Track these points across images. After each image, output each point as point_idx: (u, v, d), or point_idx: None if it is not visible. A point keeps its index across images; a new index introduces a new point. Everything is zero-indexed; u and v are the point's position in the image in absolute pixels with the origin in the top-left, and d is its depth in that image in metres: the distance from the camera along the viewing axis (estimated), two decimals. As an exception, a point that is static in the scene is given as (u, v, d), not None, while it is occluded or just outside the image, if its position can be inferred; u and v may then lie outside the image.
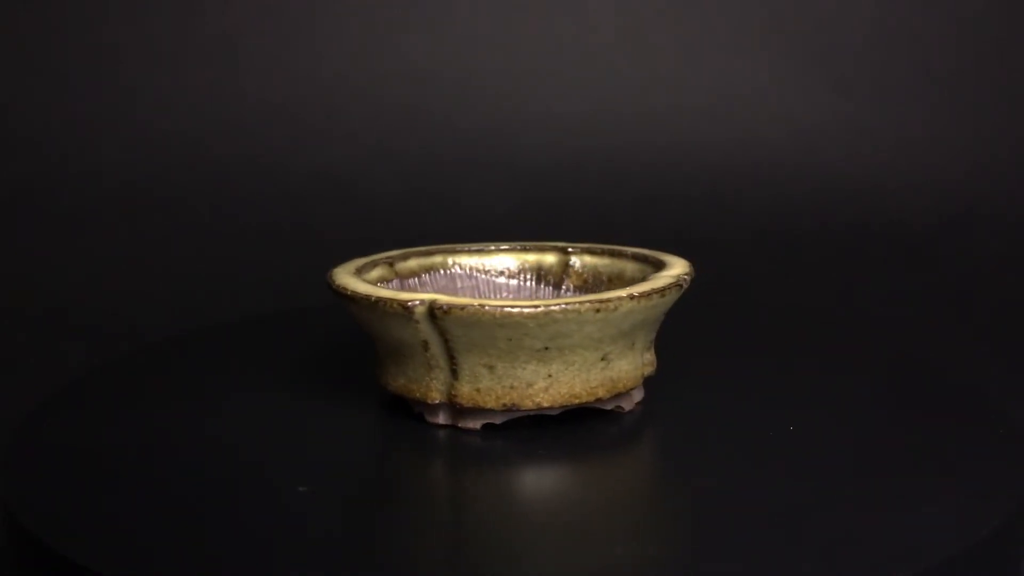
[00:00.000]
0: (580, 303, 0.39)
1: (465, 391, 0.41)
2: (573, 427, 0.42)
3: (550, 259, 0.49)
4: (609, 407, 0.43)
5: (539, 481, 0.40)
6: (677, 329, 0.48)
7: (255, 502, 0.36)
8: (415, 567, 0.32)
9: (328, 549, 0.33)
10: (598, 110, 1.02)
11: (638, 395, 0.44)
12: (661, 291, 0.40)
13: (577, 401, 0.41)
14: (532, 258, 0.50)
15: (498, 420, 0.42)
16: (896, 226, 0.93)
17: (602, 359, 0.41)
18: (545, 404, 0.41)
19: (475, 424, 0.42)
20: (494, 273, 0.49)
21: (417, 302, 0.39)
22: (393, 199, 0.95)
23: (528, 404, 0.41)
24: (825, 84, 1.02)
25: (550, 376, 0.41)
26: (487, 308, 0.38)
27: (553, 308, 0.38)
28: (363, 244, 0.51)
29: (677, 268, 0.43)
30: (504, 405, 0.41)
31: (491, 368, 0.40)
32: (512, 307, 0.38)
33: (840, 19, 1.04)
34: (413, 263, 0.49)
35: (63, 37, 1.00)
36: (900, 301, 0.79)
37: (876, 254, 0.89)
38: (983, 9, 1.03)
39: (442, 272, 0.49)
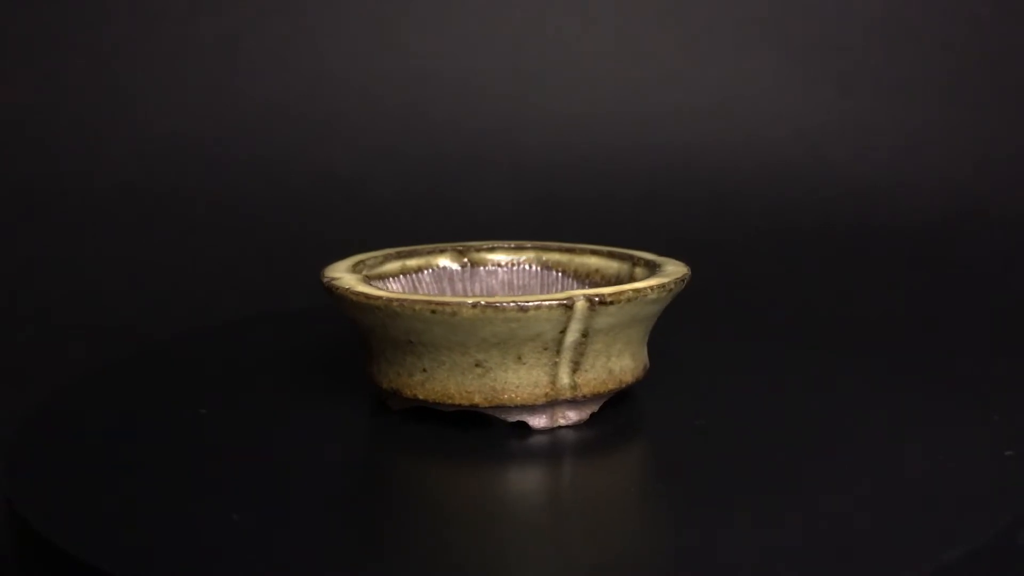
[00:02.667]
0: (414, 301, 0.39)
1: (374, 370, 0.43)
2: (569, 429, 0.42)
3: (627, 267, 0.47)
4: (511, 419, 0.41)
5: (526, 481, 0.40)
6: (676, 329, 0.48)
7: (255, 501, 0.36)
8: (409, 565, 0.32)
9: (327, 547, 0.33)
10: (600, 110, 1.02)
11: (570, 415, 0.42)
12: (523, 306, 0.38)
13: (451, 402, 0.41)
14: (615, 265, 0.48)
15: (405, 406, 0.43)
16: (897, 225, 0.93)
17: (476, 366, 0.40)
18: (421, 397, 0.41)
19: (395, 406, 0.43)
20: (580, 274, 0.48)
21: (328, 278, 0.42)
22: (394, 199, 0.95)
23: (407, 393, 0.41)
24: (827, 84, 1.02)
25: (425, 371, 0.41)
26: (349, 291, 0.40)
27: (392, 301, 0.39)
28: (364, 244, 0.51)
29: (605, 287, 0.40)
30: (391, 389, 0.42)
31: (383, 351, 0.42)
32: (363, 294, 0.40)
33: (842, 19, 1.04)
34: (499, 256, 0.50)
35: (63, 37, 1.00)
36: (901, 300, 0.79)
37: (877, 253, 0.89)
38: (985, 9, 1.03)
39: (526, 267, 0.49)
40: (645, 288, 0.40)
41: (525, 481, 0.40)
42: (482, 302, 0.38)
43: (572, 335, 0.40)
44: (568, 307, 0.39)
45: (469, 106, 1.01)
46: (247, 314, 0.66)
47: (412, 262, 0.48)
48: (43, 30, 1.00)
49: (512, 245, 0.50)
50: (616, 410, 0.43)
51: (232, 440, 0.42)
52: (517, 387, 0.40)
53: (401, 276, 0.48)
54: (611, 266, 0.48)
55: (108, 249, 0.88)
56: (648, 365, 0.44)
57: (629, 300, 0.40)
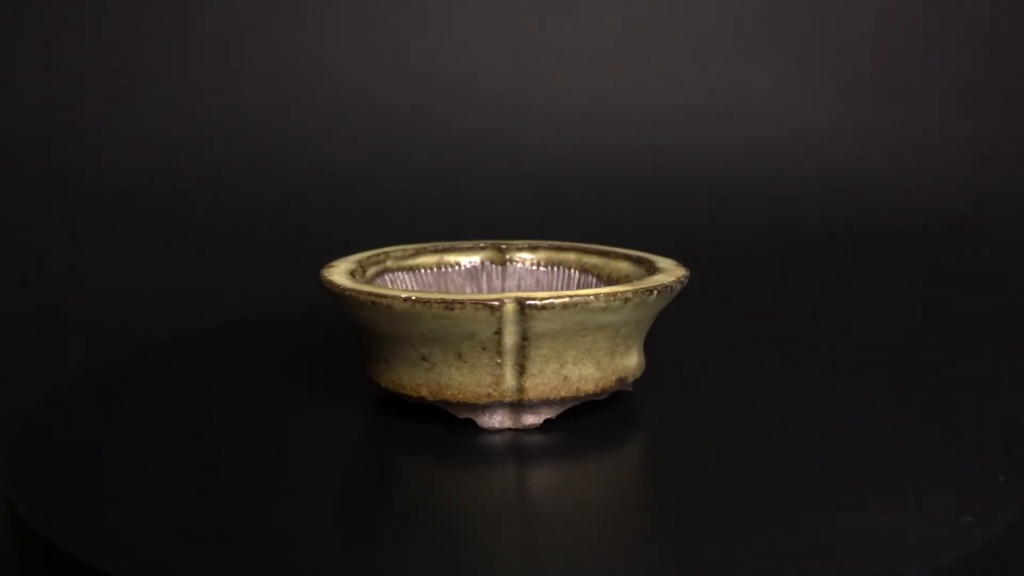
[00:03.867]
0: (359, 291, 0.40)
1: (362, 357, 0.44)
2: (571, 424, 0.42)
3: (643, 273, 0.46)
4: (461, 415, 0.42)
5: (528, 478, 0.40)
6: (674, 330, 0.48)
7: (255, 500, 0.36)
8: (408, 564, 0.32)
9: (327, 547, 0.33)
10: (600, 110, 1.02)
11: (524, 419, 0.41)
12: (449, 304, 0.39)
13: (404, 392, 0.42)
14: (636, 270, 0.46)
15: (380, 393, 0.44)
16: (898, 226, 0.92)
17: (423, 359, 0.41)
18: (383, 385, 0.42)
19: (376, 393, 0.44)
20: (613, 279, 0.47)
21: (328, 265, 0.44)
22: (394, 199, 0.95)
23: (375, 380, 0.43)
24: (828, 85, 1.02)
25: (385, 360, 0.42)
26: (325, 277, 0.42)
27: (346, 290, 0.41)
28: (364, 244, 0.51)
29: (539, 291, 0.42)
30: (368, 375, 0.43)
31: (362, 339, 0.43)
32: (331, 282, 0.41)
33: (842, 19, 1.04)
34: (540, 255, 0.49)
35: (64, 37, 1.00)
36: (902, 301, 0.79)
37: (878, 254, 0.89)
38: (986, 10, 1.03)
39: (565, 270, 0.49)
40: (586, 296, 0.39)
41: (524, 482, 0.40)
42: (412, 297, 0.39)
43: (510, 337, 0.39)
44: (494, 308, 0.39)
45: (469, 106, 1.01)
46: (247, 314, 0.66)
47: (450, 257, 0.49)
48: (42, 30, 1.00)
49: (553, 245, 0.50)
50: (607, 413, 0.43)
51: (232, 440, 0.42)
52: (461, 384, 0.41)
53: (435, 268, 0.49)
54: (635, 271, 0.46)
55: (108, 249, 0.88)
56: (628, 377, 0.43)
57: (565, 307, 0.39)
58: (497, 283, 0.49)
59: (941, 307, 0.78)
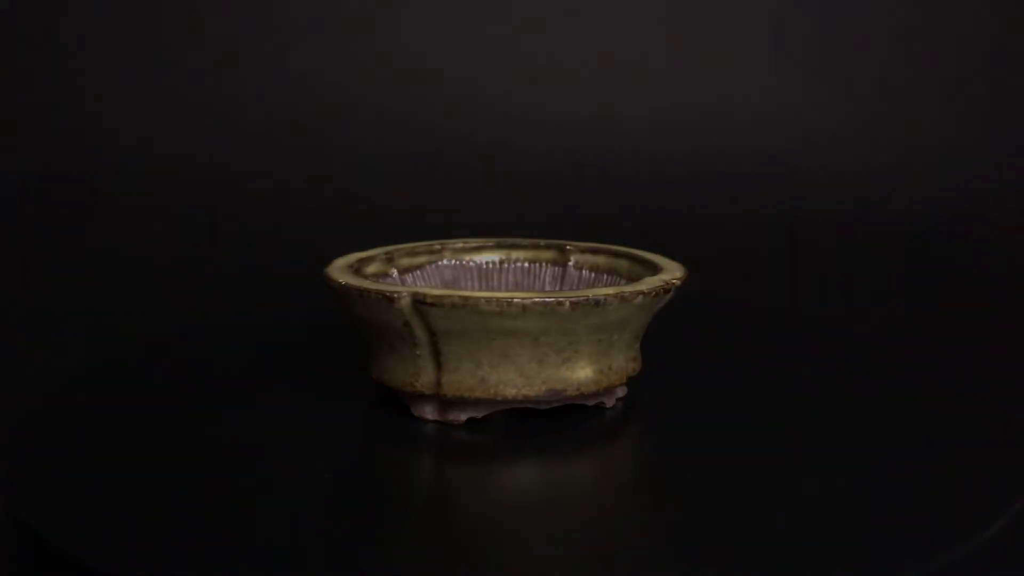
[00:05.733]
0: (328, 275, 0.42)
1: None
2: (569, 424, 0.42)
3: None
4: (404, 401, 0.43)
5: (523, 475, 0.40)
6: (674, 329, 0.48)
7: (255, 500, 0.36)
8: (409, 562, 0.32)
9: (327, 546, 0.33)
10: (601, 110, 1.02)
11: (450, 413, 0.42)
12: (361, 292, 0.40)
13: (367, 373, 0.43)
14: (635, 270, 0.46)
15: None
16: (898, 226, 0.93)
17: (371, 343, 0.43)
18: (364, 367, 0.44)
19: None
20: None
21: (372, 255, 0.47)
22: (394, 199, 0.95)
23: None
24: (828, 84, 1.02)
25: (363, 343, 0.44)
26: (327, 275, 0.43)
27: (324, 273, 0.42)
28: (364, 244, 0.51)
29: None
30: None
31: None
32: (335, 275, 0.43)
33: (843, 19, 1.04)
34: (600, 259, 0.49)
35: (65, 37, 1.00)
36: (901, 301, 0.79)
37: (878, 254, 0.89)
38: (986, 9, 1.03)
39: (616, 276, 0.49)
40: (476, 298, 0.39)
41: (524, 479, 0.40)
42: (343, 282, 0.41)
43: (419, 331, 0.40)
44: (393, 301, 0.39)
45: (469, 106, 1.01)
46: (247, 314, 0.66)
47: (516, 253, 0.50)
48: (43, 30, 1.00)
49: (611, 251, 0.49)
50: (607, 413, 0.43)
51: (232, 439, 0.42)
52: (392, 370, 0.42)
53: (493, 263, 0.50)
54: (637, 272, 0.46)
55: (108, 249, 0.88)
56: (566, 390, 0.41)
57: (455, 306, 0.39)
58: (555, 284, 0.49)
59: (940, 307, 0.78)
